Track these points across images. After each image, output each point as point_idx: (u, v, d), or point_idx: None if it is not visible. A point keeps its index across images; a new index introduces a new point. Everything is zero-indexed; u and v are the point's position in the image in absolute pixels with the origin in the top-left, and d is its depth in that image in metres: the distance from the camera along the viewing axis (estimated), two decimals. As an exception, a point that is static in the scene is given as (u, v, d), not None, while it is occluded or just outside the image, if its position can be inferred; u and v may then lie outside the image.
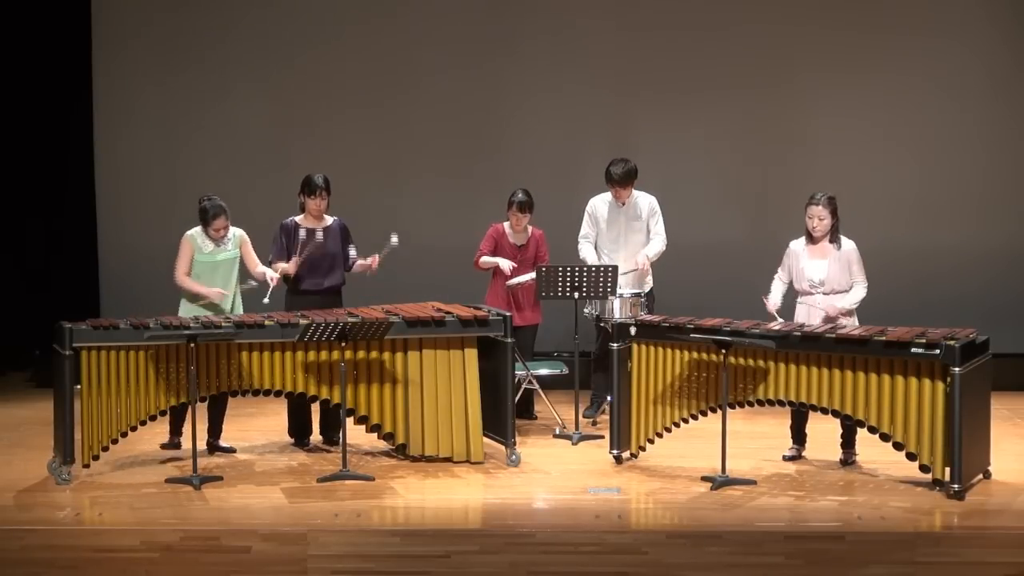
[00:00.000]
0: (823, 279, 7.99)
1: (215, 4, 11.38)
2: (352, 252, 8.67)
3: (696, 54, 11.17)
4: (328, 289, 8.55)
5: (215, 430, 8.46)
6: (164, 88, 11.35)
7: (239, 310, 8.32)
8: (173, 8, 11.35)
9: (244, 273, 8.47)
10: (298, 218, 8.60)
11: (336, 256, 8.59)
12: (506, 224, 9.25)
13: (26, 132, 11.29)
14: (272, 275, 8.34)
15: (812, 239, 8.04)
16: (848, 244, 8.05)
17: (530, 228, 9.27)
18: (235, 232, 8.37)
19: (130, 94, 11.38)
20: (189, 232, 8.30)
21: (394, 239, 8.57)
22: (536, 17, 11.24)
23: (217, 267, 8.28)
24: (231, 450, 8.45)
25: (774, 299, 8.14)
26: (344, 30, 11.30)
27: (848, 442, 8.05)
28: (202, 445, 8.32)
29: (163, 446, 8.40)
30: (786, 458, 8.17)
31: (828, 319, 7.90)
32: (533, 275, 9.02)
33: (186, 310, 8.25)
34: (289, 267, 8.42)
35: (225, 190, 10.84)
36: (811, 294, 8.03)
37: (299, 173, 8.71)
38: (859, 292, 8.02)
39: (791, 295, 8.20)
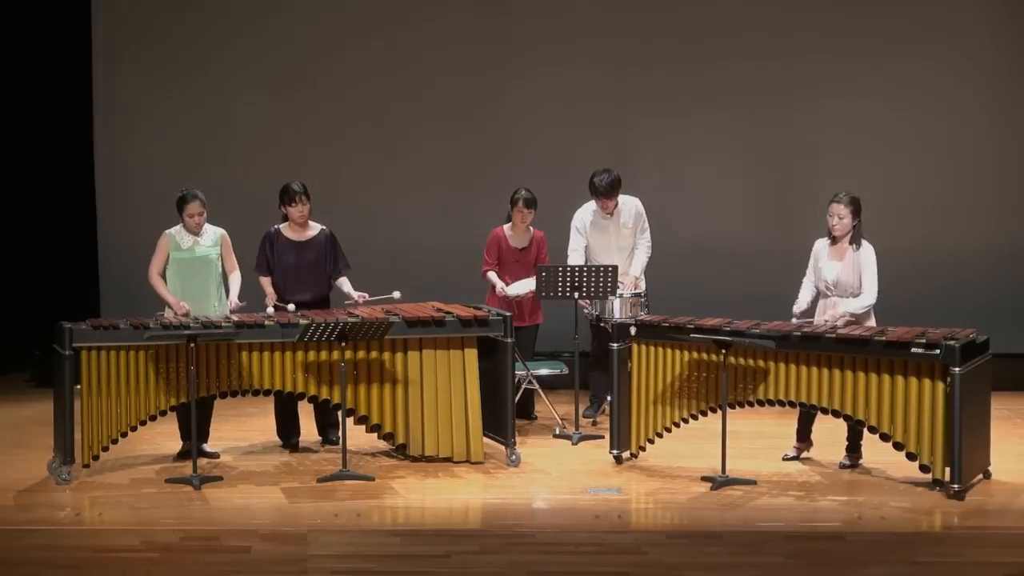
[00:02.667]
0: (836, 281, 7.96)
1: (216, 5, 11.38)
2: (351, 294, 8.52)
3: (697, 53, 11.16)
4: (312, 301, 8.45)
5: (201, 433, 8.37)
6: (164, 88, 11.35)
7: (224, 312, 8.23)
8: (174, 9, 11.35)
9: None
10: (282, 226, 8.53)
11: (318, 266, 8.51)
12: (505, 227, 9.23)
13: (26, 133, 11.29)
14: (235, 301, 8.26)
15: (833, 238, 8.00)
16: (865, 248, 7.95)
17: (531, 229, 9.26)
18: (216, 231, 8.33)
19: (130, 94, 11.37)
20: (168, 231, 8.28)
21: (396, 295, 8.56)
22: (537, 16, 11.24)
23: (195, 264, 8.22)
24: (214, 455, 8.35)
25: (800, 303, 8.08)
26: (345, 31, 11.30)
27: (853, 446, 8.04)
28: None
29: (179, 455, 8.24)
30: (786, 458, 8.17)
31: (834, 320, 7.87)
32: (531, 287, 9.00)
33: (169, 313, 8.18)
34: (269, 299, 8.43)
35: (225, 190, 10.91)
36: (827, 295, 8.01)
37: (300, 174, 8.71)
38: (863, 299, 7.88)
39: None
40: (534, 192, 9.19)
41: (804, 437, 8.19)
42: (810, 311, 8.08)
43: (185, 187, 8.34)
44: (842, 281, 7.93)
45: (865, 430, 7.59)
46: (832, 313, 7.86)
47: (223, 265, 8.36)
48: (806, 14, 11.14)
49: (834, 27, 11.10)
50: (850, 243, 7.93)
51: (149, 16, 11.36)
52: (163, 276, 8.25)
